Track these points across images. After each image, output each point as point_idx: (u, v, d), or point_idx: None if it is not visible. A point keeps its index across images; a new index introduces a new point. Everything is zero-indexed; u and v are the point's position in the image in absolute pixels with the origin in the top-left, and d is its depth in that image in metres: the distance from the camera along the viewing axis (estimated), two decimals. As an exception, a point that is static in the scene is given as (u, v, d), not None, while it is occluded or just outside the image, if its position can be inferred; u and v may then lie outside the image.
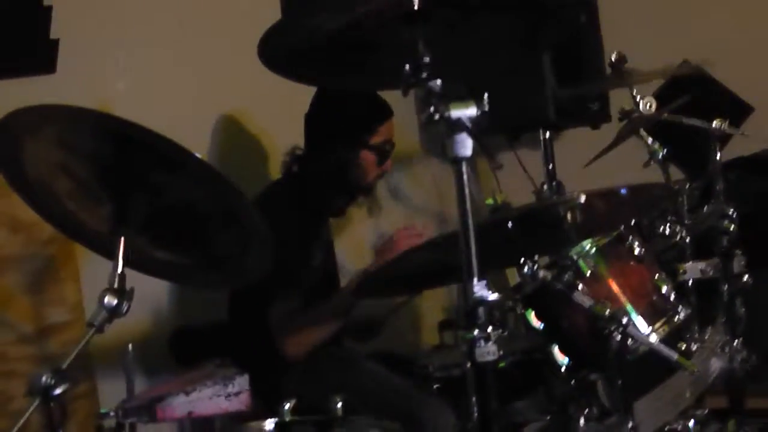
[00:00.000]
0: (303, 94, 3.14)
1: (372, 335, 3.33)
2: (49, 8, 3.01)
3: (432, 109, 1.65)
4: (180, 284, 3.17)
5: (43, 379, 1.76)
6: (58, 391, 1.76)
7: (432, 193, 4.64)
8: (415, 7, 1.78)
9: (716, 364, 2.70)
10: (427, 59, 1.76)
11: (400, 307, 3.30)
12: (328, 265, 3.35)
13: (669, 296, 2.46)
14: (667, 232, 2.73)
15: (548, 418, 2.63)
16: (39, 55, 3.03)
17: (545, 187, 3.64)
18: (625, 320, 2.08)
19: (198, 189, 1.92)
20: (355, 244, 4.09)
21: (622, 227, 2.45)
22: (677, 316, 2.45)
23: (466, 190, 1.67)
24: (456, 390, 3.11)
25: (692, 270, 2.77)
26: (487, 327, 1.67)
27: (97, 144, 1.88)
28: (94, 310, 1.86)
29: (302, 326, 3.02)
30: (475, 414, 1.70)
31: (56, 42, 3.06)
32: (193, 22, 3.57)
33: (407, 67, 1.74)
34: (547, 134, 4.18)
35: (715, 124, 2.91)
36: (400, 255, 2.17)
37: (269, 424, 2.22)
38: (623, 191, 2.27)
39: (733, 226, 2.79)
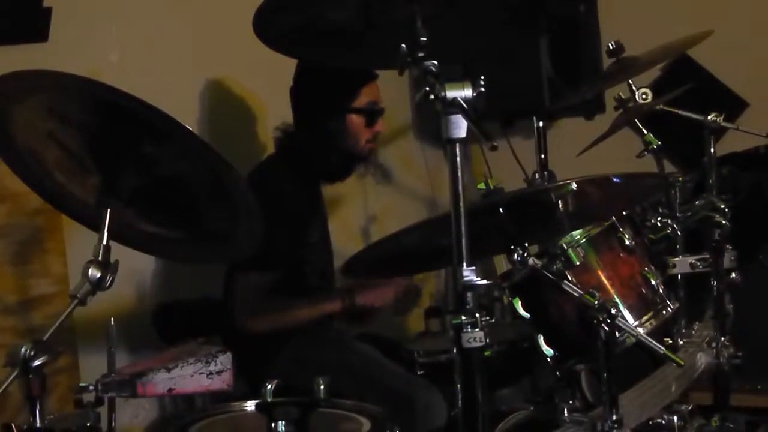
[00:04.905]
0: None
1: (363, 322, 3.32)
2: (43, -24, 3.00)
3: (427, 88, 1.63)
4: (168, 259, 3.15)
5: (23, 350, 1.74)
6: (37, 362, 1.74)
7: (423, 177, 4.62)
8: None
9: (703, 360, 2.69)
10: (423, 39, 1.74)
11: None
12: (322, 242, 3.34)
13: (658, 289, 2.45)
14: (659, 224, 2.71)
15: (532, 407, 2.62)
16: (31, 23, 3.00)
17: (536, 176, 3.61)
18: (613, 311, 2.06)
19: (187, 161, 1.90)
20: (346, 226, 4.08)
21: (614, 217, 2.43)
22: (665, 310, 2.44)
23: (459, 172, 1.65)
24: (440, 376, 3.11)
25: (682, 264, 2.76)
26: (475, 313, 1.65)
27: (85, 112, 1.86)
28: (78, 282, 1.84)
29: (275, 308, 3.03)
30: (461, 400, 1.69)
31: (49, 10, 3.03)
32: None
33: (403, 46, 1.72)
34: (541, 123, 4.15)
35: (710, 117, 2.89)
36: (389, 237, 2.15)
37: (251, 404, 2.20)
38: (616, 179, 2.25)
39: (724, 220, 2.77)
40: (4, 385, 1.74)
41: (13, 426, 1.80)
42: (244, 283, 3.00)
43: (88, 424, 1.88)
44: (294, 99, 3.24)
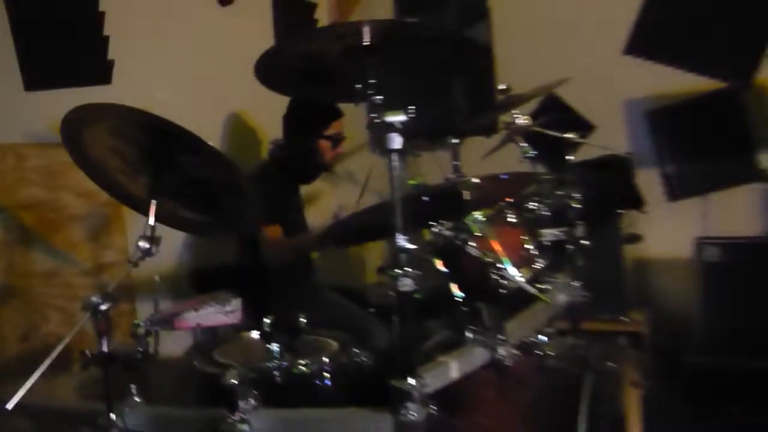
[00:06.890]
0: (284, 101, 3.16)
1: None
2: (107, 38, 2.97)
3: (374, 115, 1.64)
4: (196, 235, 3.12)
5: (93, 298, 1.73)
6: (103, 307, 1.73)
7: (376, 177, 4.61)
8: (366, 44, 1.78)
9: (562, 298, 2.73)
10: (372, 81, 1.75)
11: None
12: (300, 221, 3.35)
13: (532, 251, 2.47)
14: (534, 207, 2.74)
15: (446, 332, 2.63)
16: (99, 71, 2.96)
17: (451, 175, 3.62)
18: (502, 266, 2.09)
19: (210, 167, 1.89)
20: (322, 212, 4.07)
21: (503, 202, 2.45)
22: (537, 265, 2.46)
23: (396, 173, 1.67)
24: (387, 313, 3.11)
25: (549, 234, 2.79)
26: (407, 267, 1.67)
27: (139, 133, 1.85)
28: (132, 251, 1.83)
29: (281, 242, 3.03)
30: (398, 329, 1.71)
31: (112, 62, 3.00)
32: (209, 51, 3.52)
33: (359, 86, 1.73)
34: (455, 140, 4.16)
35: (569, 135, 2.93)
36: (351, 215, 2.16)
37: (255, 333, 2.20)
38: (504, 176, 2.28)
39: (577, 205, 2.81)
40: (80, 324, 1.74)
41: (87, 351, 1.79)
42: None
43: (140, 349, 1.87)
44: (285, 124, 3.23)
